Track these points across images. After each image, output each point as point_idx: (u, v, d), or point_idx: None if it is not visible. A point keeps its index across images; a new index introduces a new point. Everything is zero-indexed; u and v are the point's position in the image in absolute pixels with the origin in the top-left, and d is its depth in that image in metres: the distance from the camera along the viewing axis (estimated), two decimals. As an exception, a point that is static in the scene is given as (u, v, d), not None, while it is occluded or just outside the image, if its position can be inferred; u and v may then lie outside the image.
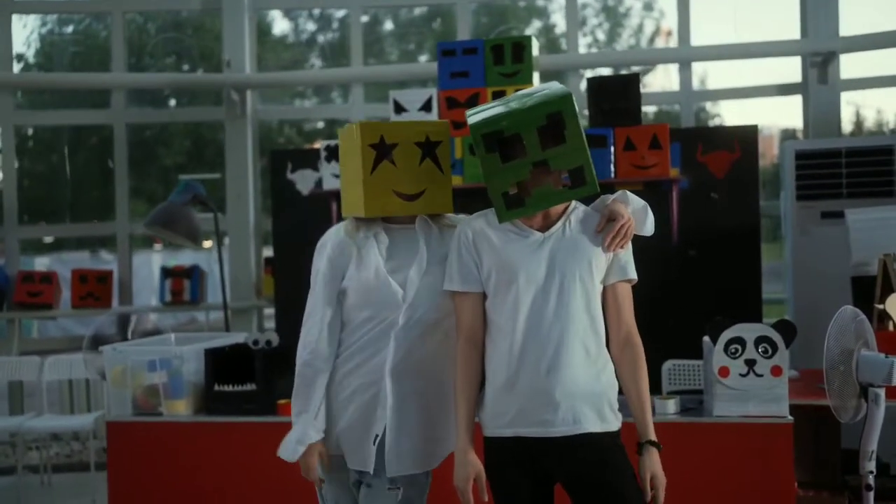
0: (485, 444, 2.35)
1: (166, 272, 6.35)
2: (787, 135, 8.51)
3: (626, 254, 2.35)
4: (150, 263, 10.03)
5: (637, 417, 2.32)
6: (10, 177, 6.69)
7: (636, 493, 2.26)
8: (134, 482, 3.61)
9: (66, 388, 5.87)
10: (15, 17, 7.07)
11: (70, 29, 9.32)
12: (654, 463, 2.29)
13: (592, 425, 2.27)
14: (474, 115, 2.33)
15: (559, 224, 2.31)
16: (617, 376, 2.34)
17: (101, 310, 6.01)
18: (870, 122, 8.95)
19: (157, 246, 10.68)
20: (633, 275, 2.36)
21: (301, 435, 2.40)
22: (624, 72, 6.07)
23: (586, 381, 2.26)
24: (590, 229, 2.32)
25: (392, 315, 2.35)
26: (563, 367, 2.24)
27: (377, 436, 2.36)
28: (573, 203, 2.36)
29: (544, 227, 2.32)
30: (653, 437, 2.31)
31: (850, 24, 5.99)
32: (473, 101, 4.32)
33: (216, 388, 3.59)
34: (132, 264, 6.74)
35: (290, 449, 2.42)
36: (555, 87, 2.33)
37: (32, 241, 8.78)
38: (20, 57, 9.15)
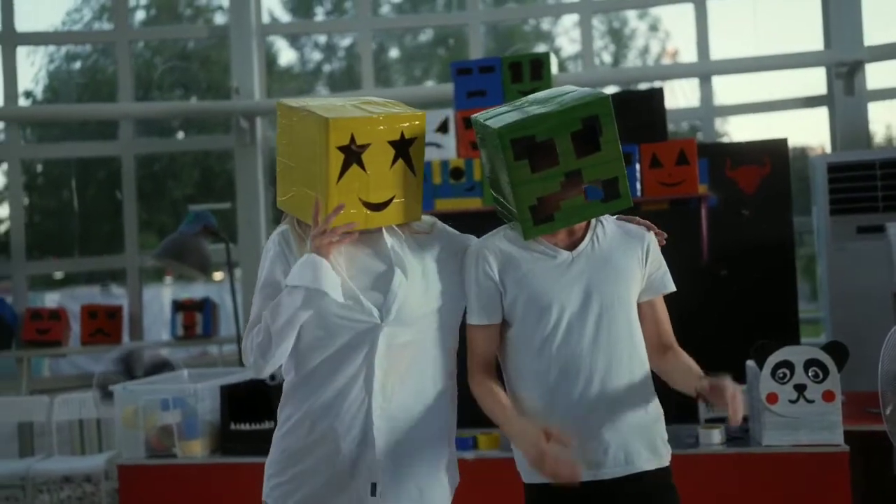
0: (525, 491, 2.13)
1: (177, 305, 6.20)
2: (797, 152, 8.32)
3: (662, 264, 2.16)
4: (161, 297, 9.89)
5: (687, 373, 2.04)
6: (17, 213, 6.56)
7: None
8: (148, 528, 3.43)
9: (77, 427, 5.70)
10: (23, 55, 6.97)
11: (78, 65, 9.28)
12: (717, 378, 1.93)
13: (646, 463, 2.07)
14: (492, 119, 2.07)
15: (587, 240, 2.10)
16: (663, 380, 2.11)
17: (112, 346, 5.83)
18: (879, 137, 8.78)
19: (168, 279, 10.55)
20: (672, 285, 2.17)
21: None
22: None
23: (636, 415, 2.06)
24: (622, 243, 2.11)
25: (364, 340, 1.98)
26: (611, 403, 2.03)
27: (373, 484, 1.99)
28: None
29: (570, 245, 2.10)
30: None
31: (876, 32, 5.85)
32: (492, 121, 4.17)
33: (232, 426, 3.42)
34: (142, 298, 6.58)
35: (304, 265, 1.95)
36: (574, 89, 2.11)
37: (43, 277, 8.67)
38: (28, 94, 9.12)
